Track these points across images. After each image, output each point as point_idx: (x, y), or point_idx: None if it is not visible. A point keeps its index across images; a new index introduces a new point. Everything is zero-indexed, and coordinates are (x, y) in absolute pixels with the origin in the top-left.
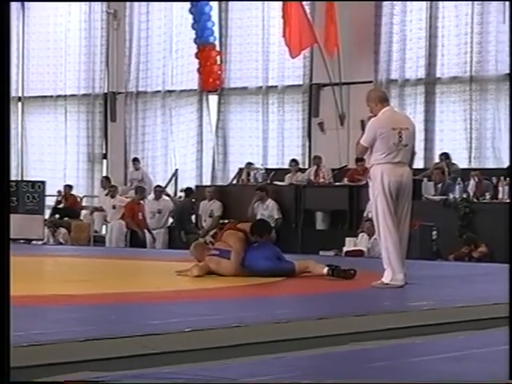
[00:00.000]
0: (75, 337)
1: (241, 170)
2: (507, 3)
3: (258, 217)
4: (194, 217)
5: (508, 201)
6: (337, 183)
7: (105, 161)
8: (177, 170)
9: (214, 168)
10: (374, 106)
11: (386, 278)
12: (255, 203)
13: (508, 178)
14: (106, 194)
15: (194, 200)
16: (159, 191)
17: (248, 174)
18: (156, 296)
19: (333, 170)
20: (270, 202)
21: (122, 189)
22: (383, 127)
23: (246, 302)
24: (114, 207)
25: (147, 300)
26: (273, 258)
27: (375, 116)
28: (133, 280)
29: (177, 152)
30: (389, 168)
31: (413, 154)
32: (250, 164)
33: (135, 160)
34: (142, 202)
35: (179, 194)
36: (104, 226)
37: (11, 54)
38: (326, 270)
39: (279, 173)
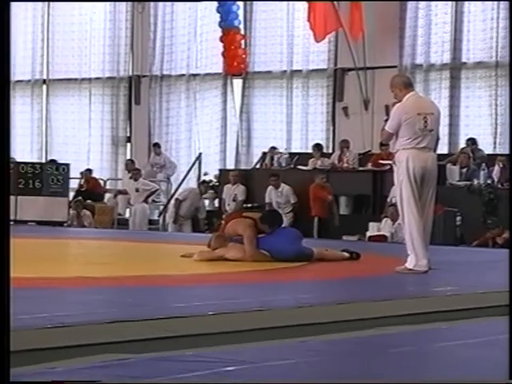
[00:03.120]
0: (99, 319)
1: (264, 154)
2: None
3: (275, 205)
4: (217, 201)
5: None
6: (361, 168)
7: (128, 144)
8: (200, 153)
9: (237, 152)
10: (398, 92)
11: (410, 264)
12: (269, 190)
13: None
14: (130, 177)
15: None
16: (205, 187)
17: (271, 159)
18: (179, 279)
19: (357, 154)
20: (284, 188)
21: (145, 172)
22: (408, 113)
23: (268, 286)
24: (137, 190)
25: (170, 283)
26: (298, 241)
27: (399, 102)
28: (156, 263)
29: (200, 136)
30: (414, 153)
31: (437, 139)
32: (273, 148)
33: (156, 145)
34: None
35: (202, 177)
36: (128, 209)
37: (37, 37)
38: (345, 254)
39: (303, 157)
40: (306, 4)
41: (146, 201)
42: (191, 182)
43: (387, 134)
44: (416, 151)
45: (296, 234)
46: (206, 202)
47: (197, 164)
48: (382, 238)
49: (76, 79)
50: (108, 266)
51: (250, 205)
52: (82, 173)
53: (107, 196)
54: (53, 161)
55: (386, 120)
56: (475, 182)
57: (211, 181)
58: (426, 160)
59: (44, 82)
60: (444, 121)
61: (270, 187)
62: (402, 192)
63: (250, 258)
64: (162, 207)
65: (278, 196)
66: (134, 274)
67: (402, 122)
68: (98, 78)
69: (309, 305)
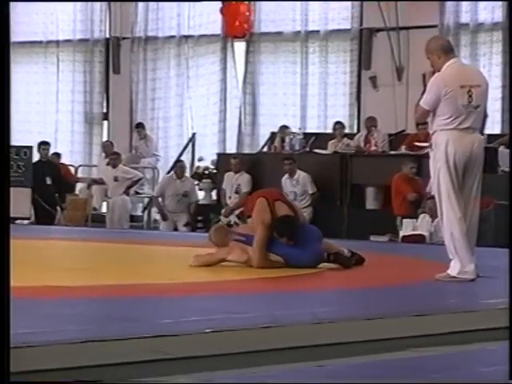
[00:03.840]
0: (71, 337)
1: (273, 134)
2: None
3: (289, 196)
4: (215, 192)
5: None
6: (392, 152)
7: (105, 122)
8: (194, 134)
9: (240, 132)
10: (435, 59)
11: (453, 270)
12: (284, 179)
13: None
14: (108, 164)
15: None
16: (181, 168)
17: (282, 140)
18: (169, 289)
19: (388, 135)
20: (301, 175)
21: (126, 157)
22: (449, 85)
23: (279, 297)
24: (116, 179)
25: (158, 294)
26: (319, 244)
27: (438, 71)
28: (141, 269)
29: (194, 112)
30: (455, 135)
31: (485, 117)
32: (284, 127)
33: (139, 126)
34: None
35: (197, 164)
36: (104, 203)
37: None
38: (347, 251)
39: (321, 138)
40: None
41: (126, 192)
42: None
43: (422, 112)
44: (458, 133)
45: (318, 234)
46: (201, 193)
47: (190, 147)
48: (418, 239)
49: (40, 42)
50: (82, 273)
51: None
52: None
53: (79, 186)
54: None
55: (422, 93)
56: None
57: (207, 168)
58: (469, 144)
59: None
60: (494, 94)
61: (286, 176)
62: (439, 183)
63: (255, 266)
64: (146, 200)
65: (293, 185)
66: (115, 282)
67: (441, 97)
68: (67, 41)
69: (328, 321)
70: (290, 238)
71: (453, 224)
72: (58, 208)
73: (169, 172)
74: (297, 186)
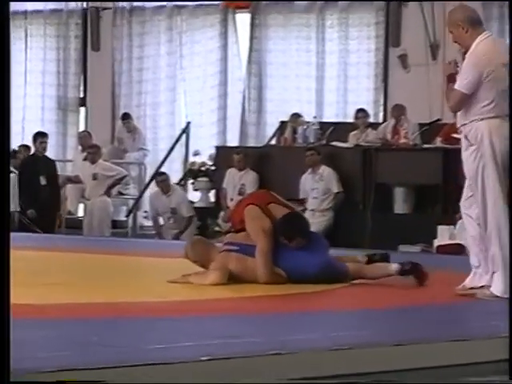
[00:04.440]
0: (42, 365)
1: (283, 124)
2: None
3: (310, 194)
4: (213, 193)
5: None
6: (426, 145)
7: (82, 109)
8: (189, 123)
9: (243, 121)
10: (461, 33)
11: (497, 287)
12: (304, 177)
13: None
14: (85, 159)
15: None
16: (163, 182)
17: (294, 131)
18: (159, 308)
19: (420, 125)
20: (325, 170)
21: (107, 150)
22: (491, 64)
23: (288, 318)
24: (95, 177)
25: (145, 314)
26: (326, 254)
27: (464, 48)
28: (124, 284)
29: (189, 98)
30: (497, 125)
31: None
32: (296, 116)
33: (126, 117)
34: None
35: (191, 159)
36: (81, 205)
37: None
38: (395, 266)
39: (340, 129)
40: None
41: (108, 193)
42: (175, 165)
43: (460, 97)
44: (499, 122)
45: (324, 242)
46: (198, 195)
47: (183, 139)
48: (456, 249)
49: None
50: (56, 289)
51: None
52: (14, 151)
53: None
54: None
55: (451, 77)
56: None
57: (204, 164)
58: (508, 135)
59: None
60: None
61: (308, 171)
62: (484, 183)
63: (262, 281)
64: (131, 202)
65: (315, 181)
66: (93, 300)
67: (482, 79)
68: (36, 12)
69: (348, 346)
70: (304, 237)
71: (502, 231)
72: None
73: (148, 183)
74: (320, 181)
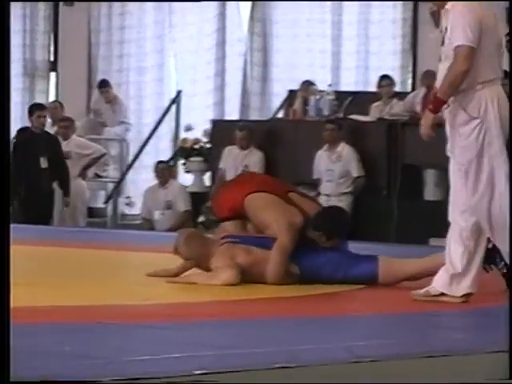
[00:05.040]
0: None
1: (292, 94)
2: None
3: (324, 176)
4: (208, 176)
5: None
6: None
7: (53, 75)
8: (179, 93)
9: (245, 90)
10: None
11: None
12: (319, 155)
13: None
14: (56, 133)
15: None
16: (162, 171)
17: (305, 102)
18: (143, 313)
19: None
20: (345, 149)
21: (81, 124)
22: (486, 18)
23: (300, 324)
24: (67, 156)
25: (128, 320)
26: (344, 253)
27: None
28: (103, 284)
29: (180, 61)
30: (501, 93)
31: None
32: (308, 84)
33: (104, 85)
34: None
35: (183, 135)
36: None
37: None
38: None
39: (360, 99)
40: None
41: (82, 175)
42: (163, 143)
43: (467, 52)
44: (501, 89)
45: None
46: (190, 178)
47: (173, 111)
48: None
49: None
50: (23, 289)
51: None
52: None
53: None
54: None
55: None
56: None
57: (198, 141)
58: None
59: None
60: None
61: (325, 147)
62: (491, 167)
63: (271, 280)
64: (111, 187)
65: (332, 161)
66: (66, 302)
67: (481, 32)
68: None
69: (370, 359)
70: (343, 237)
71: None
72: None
73: (131, 164)
74: (337, 162)
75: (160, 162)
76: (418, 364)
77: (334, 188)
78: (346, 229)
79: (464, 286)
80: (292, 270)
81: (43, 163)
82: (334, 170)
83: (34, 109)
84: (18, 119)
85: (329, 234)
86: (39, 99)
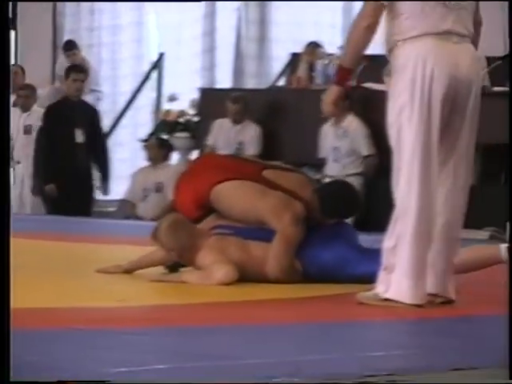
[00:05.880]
0: None
1: (296, 57)
2: None
3: (330, 154)
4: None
5: None
6: (496, 88)
7: (12, 34)
8: (162, 55)
9: (238, 53)
10: None
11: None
12: (325, 130)
13: None
14: (15, 104)
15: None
16: (153, 149)
17: (311, 68)
18: (119, 317)
19: (488, 60)
20: (353, 123)
21: (45, 93)
22: None
23: (306, 330)
24: (27, 130)
25: (102, 324)
26: (357, 245)
27: None
28: (73, 283)
29: (162, 17)
30: (432, 47)
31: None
32: (314, 46)
33: (70, 46)
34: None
35: (166, 106)
36: (11, 170)
37: None
38: (503, 248)
39: (375, 65)
40: None
41: None
42: (142, 115)
43: (373, 7)
44: (435, 42)
45: (351, 231)
46: (174, 157)
47: (154, 77)
48: None
49: None
50: None
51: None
52: None
53: None
54: None
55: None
56: None
57: (183, 113)
58: (454, 59)
59: None
60: None
61: (331, 121)
62: (400, 138)
63: (273, 275)
64: None
65: (337, 136)
66: (31, 304)
67: None
68: None
69: (387, 372)
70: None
71: (407, 215)
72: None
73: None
74: (344, 138)
75: (145, 140)
76: (445, 378)
77: (341, 169)
78: (347, 206)
79: None
80: (296, 266)
81: (78, 137)
82: (340, 147)
83: (70, 72)
84: None
85: (332, 212)
86: None
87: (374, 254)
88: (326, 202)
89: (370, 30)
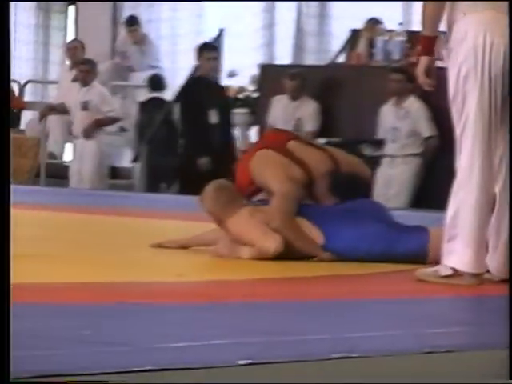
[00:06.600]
0: (17, 370)
1: (356, 34)
2: None
3: (389, 134)
4: (256, 130)
5: None
6: None
7: (72, 9)
8: (222, 31)
9: (298, 29)
10: None
11: None
12: (385, 110)
13: None
14: (74, 79)
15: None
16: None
17: (370, 44)
18: (177, 292)
19: None
20: (414, 105)
21: (105, 68)
22: None
23: (363, 307)
24: (85, 106)
25: (159, 299)
26: (388, 219)
27: None
28: (129, 258)
29: None
30: (491, 19)
31: None
32: (373, 22)
33: (132, 22)
34: None
35: (225, 82)
36: (68, 145)
37: None
38: None
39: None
40: None
41: (86, 134)
42: None
43: None
44: (496, 15)
45: (380, 206)
46: (236, 132)
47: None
48: None
49: None
50: (32, 262)
51: (325, 140)
52: None
53: (26, 116)
54: None
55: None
56: None
57: (243, 89)
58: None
59: None
60: None
61: (391, 102)
62: (466, 124)
63: (274, 225)
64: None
65: (398, 117)
66: (85, 279)
67: None
68: None
69: (446, 349)
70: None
71: (469, 184)
72: None
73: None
74: (405, 119)
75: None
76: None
77: (400, 149)
78: (359, 191)
79: None
80: (313, 232)
81: (213, 117)
82: (401, 128)
83: (203, 50)
84: (30, 60)
85: (341, 192)
86: (55, 39)
87: (407, 231)
88: (335, 182)
89: None
